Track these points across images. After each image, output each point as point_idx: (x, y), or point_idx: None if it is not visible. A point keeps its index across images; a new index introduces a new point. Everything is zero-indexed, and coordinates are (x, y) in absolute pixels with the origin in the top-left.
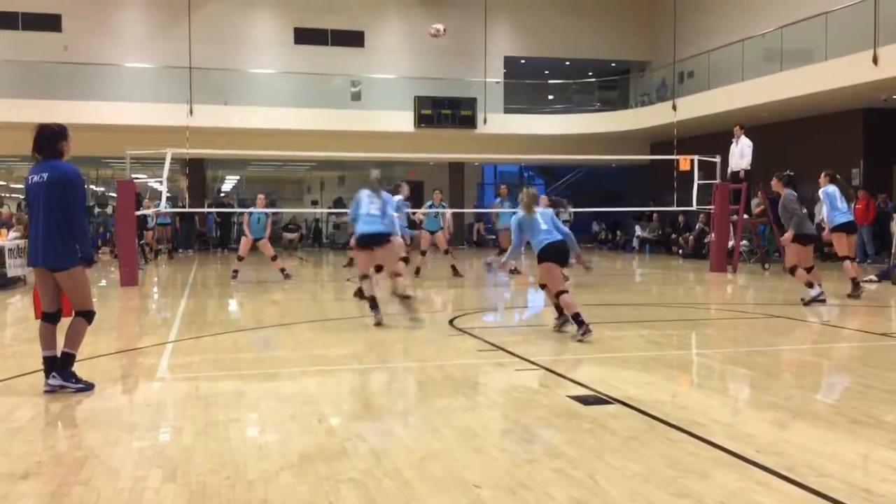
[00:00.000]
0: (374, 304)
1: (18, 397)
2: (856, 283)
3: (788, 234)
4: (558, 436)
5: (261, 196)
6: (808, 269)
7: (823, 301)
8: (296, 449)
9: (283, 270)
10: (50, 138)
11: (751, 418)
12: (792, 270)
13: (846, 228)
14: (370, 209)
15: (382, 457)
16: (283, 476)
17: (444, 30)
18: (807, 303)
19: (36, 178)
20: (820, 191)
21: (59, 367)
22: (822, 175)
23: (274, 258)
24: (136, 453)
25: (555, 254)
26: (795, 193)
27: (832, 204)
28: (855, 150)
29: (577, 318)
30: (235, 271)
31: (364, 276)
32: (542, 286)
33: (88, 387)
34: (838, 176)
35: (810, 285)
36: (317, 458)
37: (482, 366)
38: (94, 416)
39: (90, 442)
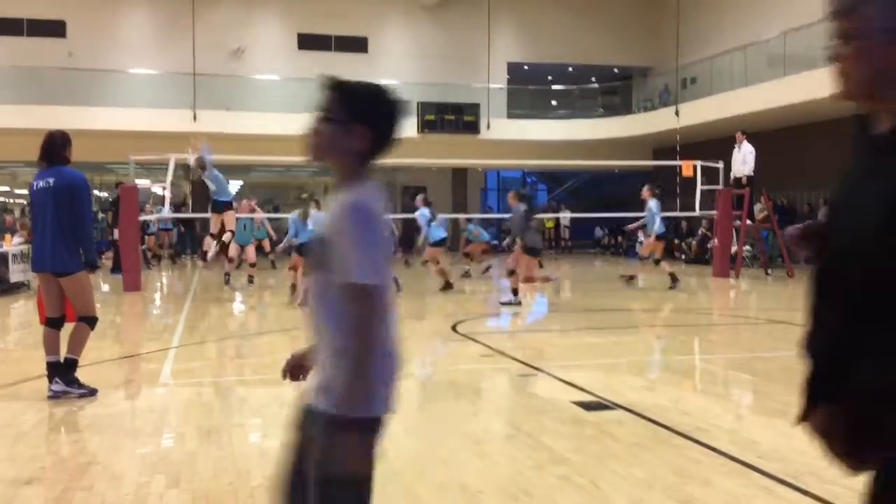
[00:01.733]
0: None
1: (22, 402)
2: (674, 277)
3: (517, 247)
4: (562, 442)
5: (244, 201)
6: (524, 278)
7: (518, 304)
8: None
9: (251, 278)
10: (58, 145)
11: (754, 424)
12: (510, 273)
13: (665, 237)
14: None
15: (385, 463)
16: None
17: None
18: (503, 302)
19: (42, 184)
20: (648, 204)
21: (62, 373)
22: (646, 189)
23: (252, 265)
24: (139, 459)
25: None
26: (525, 207)
27: (656, 216)
28: None
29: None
30: (227, 274)
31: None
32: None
33: (91, 392)
34: (658, 191)
35: (515, 292)
36: None
37: (485, 371)
38: (97, 422)
39: (94, 447)
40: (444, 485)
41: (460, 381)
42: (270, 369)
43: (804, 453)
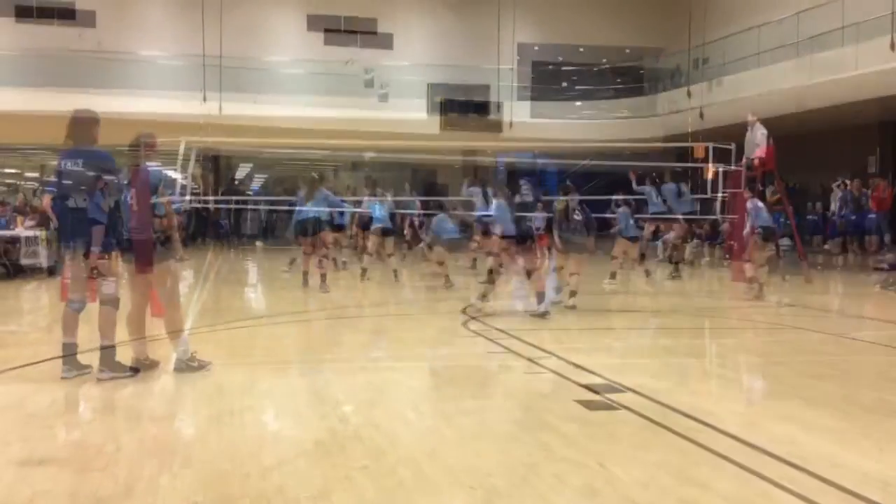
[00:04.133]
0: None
1: (34, 384)
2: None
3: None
4: (571, 425)
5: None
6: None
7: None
8: (310, 437)
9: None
10: (87, 125)
11: (763, 408)
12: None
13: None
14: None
15: (396, 445)
16: (297, 463)
17: None
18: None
19: (70, 165)
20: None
21: (105, 361)
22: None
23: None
24: (152, 440)
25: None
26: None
27: (650, 199)
28: (871, 136)
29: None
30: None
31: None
32: None
33: (135, 372)
34: (657, 179)
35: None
36: (331, 445)
37: (495, 354)
38: (110, 403)
39: (106, 428)
40: (454, 466)
41: (470, 365)
42: (282, 354)
43: (815, 437)
